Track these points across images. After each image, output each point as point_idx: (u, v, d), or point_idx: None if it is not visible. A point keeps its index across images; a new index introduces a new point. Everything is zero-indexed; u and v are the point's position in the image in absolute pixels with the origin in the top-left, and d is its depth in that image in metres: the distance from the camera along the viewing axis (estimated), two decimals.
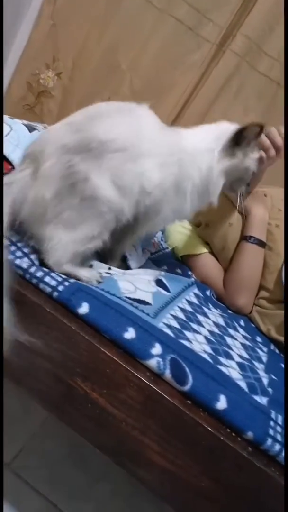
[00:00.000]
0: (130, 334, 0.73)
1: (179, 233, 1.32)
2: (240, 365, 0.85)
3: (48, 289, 0.74)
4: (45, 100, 2.01)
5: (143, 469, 0.74)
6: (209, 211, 1.29)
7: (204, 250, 1.28)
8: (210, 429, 0.69)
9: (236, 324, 1.09)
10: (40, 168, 0.78)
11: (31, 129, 1.12)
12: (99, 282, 0.87)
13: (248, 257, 1.19)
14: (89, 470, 1.13)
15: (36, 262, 0.81)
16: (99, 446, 0.77)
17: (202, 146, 0.90)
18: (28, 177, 0.79)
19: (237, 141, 0.90)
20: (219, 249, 1.27)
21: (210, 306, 1.09)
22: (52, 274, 0.77)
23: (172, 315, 0.88)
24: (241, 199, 1.01)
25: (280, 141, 1.03)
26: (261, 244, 1.19)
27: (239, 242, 1.22)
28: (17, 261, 0.76)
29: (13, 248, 0.79)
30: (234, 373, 0.79)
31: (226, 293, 1.19)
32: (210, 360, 0.78)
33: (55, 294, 0.74)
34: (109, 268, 0.96)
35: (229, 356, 0.86)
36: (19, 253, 0.79)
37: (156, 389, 0.70)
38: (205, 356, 0.78)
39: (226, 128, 0.92)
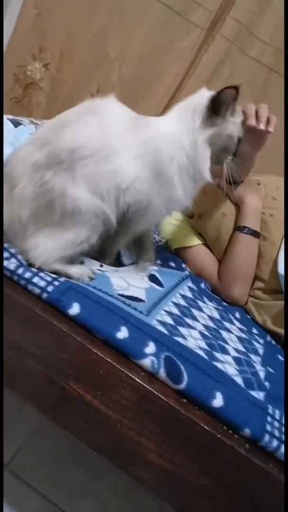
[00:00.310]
0: (122, 333, 0.71)
1: (172, 226, 1.30)
2: (236, 359, 0.84)
3: (37, 291, 0.72)
4: (33, 92, 1.97)
5: (142, 469, 0.73)
6: (201, 201, 1.27)
7: (198, 242, 1.26)
8: (206, 427, 0.68)
9: (231, 317, 1.07)
10: (14, 190, 0.76)
11: (16, 123, 1.09)
12: (91, 279, 0.85)
13: (242, 248, 1.17)
14: (89, 467, 1.12)
15: (24, 262, 0.79)
16: (95, 448, 0.76)
17: (179, 124, 0.86)
18: (5, 196, 0.77)
19: (215, 108, 0.85)
20: (213, 240, 1.25)
21: (205, 299, 1.08)
22: (41, 274, 0.75)
23: (166, 311, 0.86)
24: (229, 172, 0.96)
25: (264, 112, 0.99)
26: (255, 234, 1.17)
27: (233, 233, 1.20)
28: (4, 262, 0.74)
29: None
30: (230, 368, 0.78)
31: (221, 285, 1.17)
32: (206, 357, 0.77)
33: (45, 295, 0.72)
34: (101, 265, 0.94)
35: (224, 351, 0.85)
36: (6, 254, 0.76)
37: (150, 389, 0.69)
38: (200, 352, 0.77)
39: (201, 98, 0.88)
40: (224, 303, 1.16)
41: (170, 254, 1.24)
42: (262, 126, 0.99)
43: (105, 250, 0.93)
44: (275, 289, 1.15)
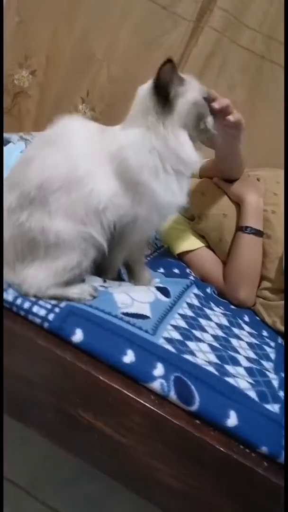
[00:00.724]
0: (129, 357, 0.69)
1: (172, 230, 1.27)
2: (248, 370, 0.82)
3: (38, 320, 0.70)
4: (22, 100, 1.93)
5: (157, 492, 0.72)
6: (200, 203, 1.25)
7: (200, 244, 1.24)
8: (221, 448, 0.66)
9: (240, 321, 1.05)
10: None
11: (5, 142, 1.06)
12: (94, 297, 0.83)
13: (246, 248, 1.14)
14: (103, 485, 1.11)
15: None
16: (110, 474, 0.74)
17: (137, 129, 0.80)
18: None
19: (162, 93, 0.79)
20: (216, 241, 1.22)
21: (212, 305, 1.06)
22: (41, 302, 0.73)
23: (172, 325, 0.84)
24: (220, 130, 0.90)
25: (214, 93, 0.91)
26: (259, 233, 1.14)
27: (235, 233, 1.17)
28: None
29: None
30: (242, 382, 0.76)
31: (227, 287, 1.15)
32: (216, 373, 0.74)
33: (46, 324, 0.70)
34: (104, 281, 0.92)
35: (236, 362, 0.83)
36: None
37: (161, 413, 0.67)
38: (211, 368, 0.75)
39: (143, 93, 0.82)
40: (232, 306, 1.13)
41: (173, 259, 1.21)
42: (216, 106, 0.89)
43: (105, 266, 0.90)
44: (282, 288, 1.12)
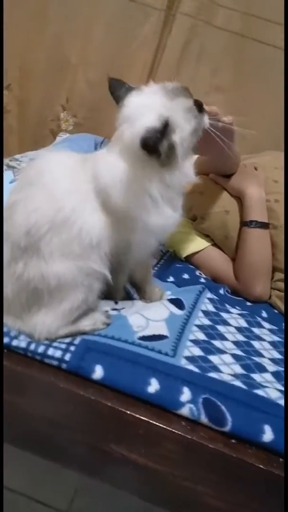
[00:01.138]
0: (153, 386, 0.68)
1: (176, 233, 1.22)
2: (275, 375, 0.80)
3: (55, 362, 0.69)
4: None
5: None
6: (200, 203, 1.22)
7: (206, 244, 1.21)
8: (261, 465, 0.64)
9: (259, 319, 1.03)
10: None
11: None
12: (107, 324, 0.81)
13: (253, 243, 1.11)
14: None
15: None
16: (152, 501, 0.73)
17: (123, 165, 0.73)
18: None
19: (152, 152, 0.70)
20: (222, 239, 1.19)
21: (228, 306, 1.03)
22: (54, 343, 0.71)
23: (191, 340, 0.82)
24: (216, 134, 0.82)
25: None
26: (265, 226, 1.11)
27: (240, 228, 1.14)
28: (14, 342, 0.70)
29: (5, 329, 0.73)
30: (272, 392, 0.74)
31: (240, 285, 1.12)
32: (244, 386, 0.72)
33: (64, 365, 0.68)
34: (116, 303, 0.90)
35: (262, 369, 0.81)
36: (13, 333, 0.72)
37: (194, 438, 0.66)
38: (238, 383, 0.73)
39: (132, 136, 0.71)
40: (248, 303, 1.11)
41: (181, 264, 1.18)
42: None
43: (112, 290, 0.88)
44: None
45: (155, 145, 0.69)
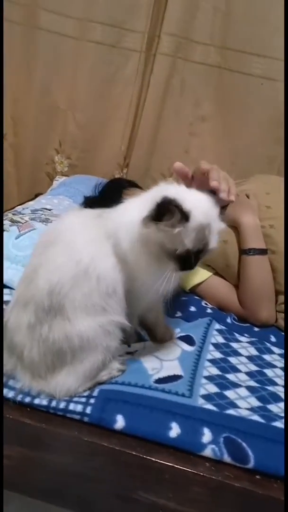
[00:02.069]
0: (174, 430, 0.70)
1: None
2: None
3: (77, 417, 0.71)
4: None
5: None
6: None
7: (208, 274, 1.24)
8: None
9: (268, 345, 1.05)
10: (23, 357, 0.74)
11: None
12: (123, 371, 0.83)
13: (254, 270, 1.15)
14: None
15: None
16: None
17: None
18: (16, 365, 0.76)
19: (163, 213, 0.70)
20: (223, 268, 1.22)
21: (236, 335, 1.06)
22: (75, 398, 0.73)
23: (206, 377, 0.84)
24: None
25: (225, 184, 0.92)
26: (263, 252, 1.15)
27: (240, 257, 1.17)
28: (36, 401, 0.73)
29: (26, 389, 0.75)
30: None
31: (246, 312, 1.15)
32: (263, 420, 0.74)
33: (86, 419, 0.71)
34: (129, 346, 0.92)
35: (277, 399, 0.82)
36: (34, 392, 0.75)
37: (220, 479, 0.67)
38: (256, 417, 0.75)
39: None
40: (256, 328, 1.13)
41: (186, 297, 1.21)
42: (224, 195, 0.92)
43: (125, 334, 0.90)
44: None
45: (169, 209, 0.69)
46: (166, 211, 0.69)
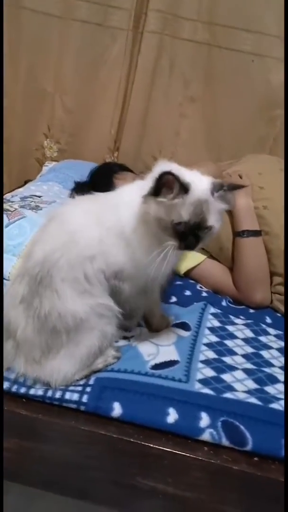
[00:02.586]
0: (172, 416, 0.70)
1: None
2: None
3: (74, 406, 0.70)
4: None
5: None
6: None
7: (202, 257, 1.22)
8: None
9: (263, 326, 1.04)
10: (16, 335, 0.74)
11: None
12: (118, 358, 0.82)
13: (248, 252, 1.13)
14: None
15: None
16: None
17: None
18: (10, 349, 0.76)
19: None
20: (217, 251, 1.21)
21: (232, 318, 1.05)
22: (71, 387, 0.73)
23: (202, 361, 0.84)
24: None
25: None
26: (257, 233, 1.13)
27: (234, 239, 1.16)
28: (31, 391, 0.72)
29: (21, 379, 0.74)
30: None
31: (241, 294, 1.14)
32: (260, 402, 0.74)
33: (82, 407, 0.70)
34: (129, 331, 0.91)
35: (274, 380, 0.82)
36: (28, 382, 0.74)
37: (219, 462, 0.67)
38: (253, 399, 0.74)
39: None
40: (251, 310, 1.13)
41: (181, 281, 1.20)
42: None
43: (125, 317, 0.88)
44: None
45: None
46: (165, 184, 0.71)
